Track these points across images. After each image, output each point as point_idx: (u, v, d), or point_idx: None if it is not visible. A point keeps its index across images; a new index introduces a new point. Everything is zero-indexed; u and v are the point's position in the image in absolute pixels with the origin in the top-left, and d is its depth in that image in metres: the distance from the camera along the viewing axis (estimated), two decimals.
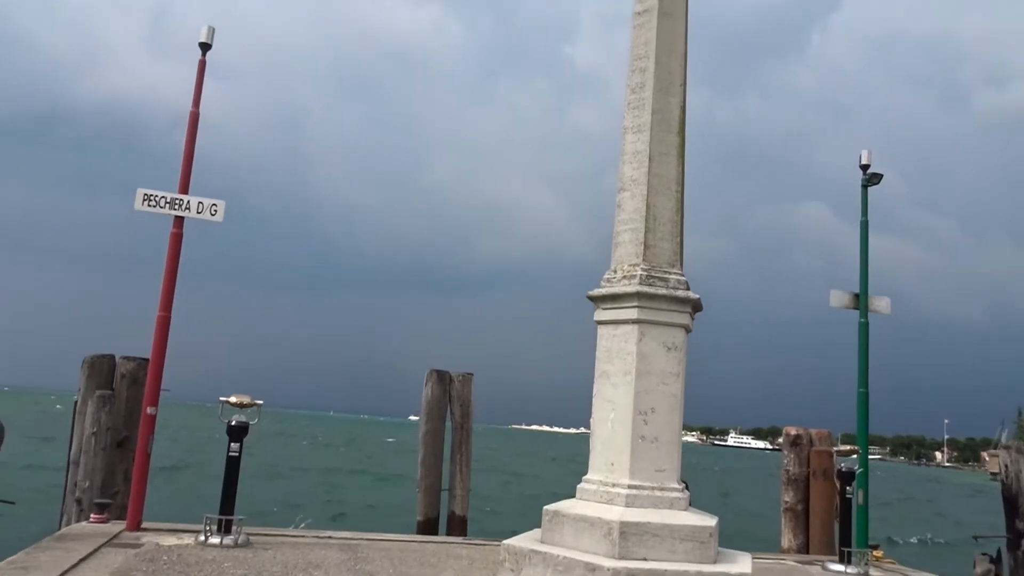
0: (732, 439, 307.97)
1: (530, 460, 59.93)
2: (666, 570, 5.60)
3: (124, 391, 9.81)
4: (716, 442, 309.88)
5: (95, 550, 6.58)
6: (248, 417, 7.86)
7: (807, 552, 11.10)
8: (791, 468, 12.09)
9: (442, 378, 12.09)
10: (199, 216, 8.23)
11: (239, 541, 7.37)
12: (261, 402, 7.97)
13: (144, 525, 7.87)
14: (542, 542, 6.24)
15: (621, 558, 5.71)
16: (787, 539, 11.71)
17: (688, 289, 6.53)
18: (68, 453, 9.74)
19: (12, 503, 7.79)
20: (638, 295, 6.34)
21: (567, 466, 53.75)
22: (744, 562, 6.07)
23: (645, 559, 5.75)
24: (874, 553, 9.67)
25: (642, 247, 6.56)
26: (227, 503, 7.53)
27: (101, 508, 8.08)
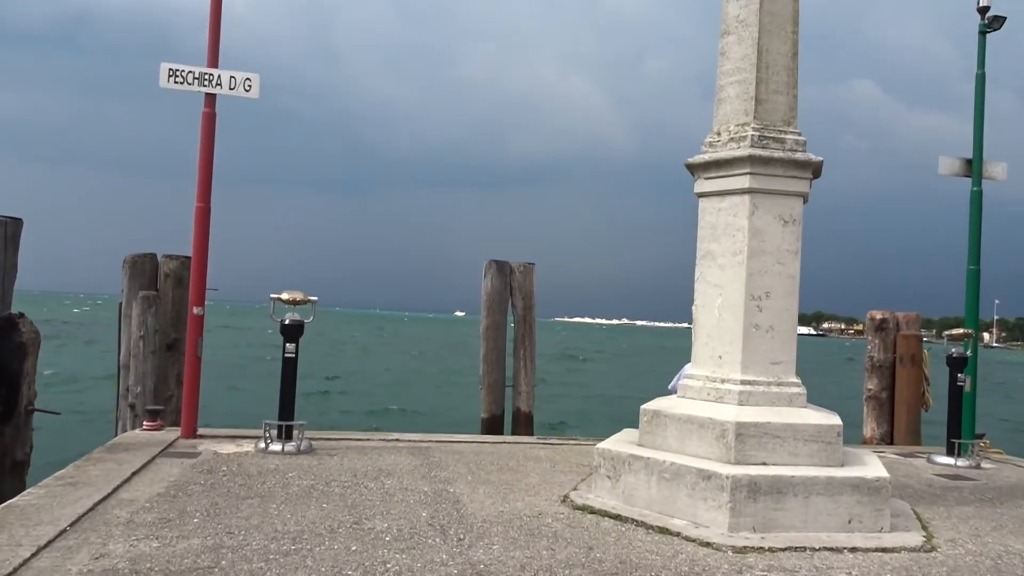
0: None
1: (579, 354, 60.01)
2: (793, 476, 4.84)
3: (169, 291, 9.19)
4: None
5: (149, 461, 6.07)
6: (302, 315, 7.18)
7: (891, 442, 10.37)
8: (875, 354, 11.20)
9: (502, 269, 11.29)
10: (232, 93, 7.32)
11: (301, 447, 6.83)
12: (315, 298, 7.26)
13: (200, 432, 7.38)
14: (641, 445, 5.52)
15: (737, 463, 4.98)
16: (869, 429, 10.95)
17: (806, 150, 5.51)
18: (117, 357, 9.27)
19: (58, 413, 7.33)
20: (750, 159, 5.34)
21: (616, 361, 53.77)
22: (875, 464, 5.30)
23: (764, 463, 5.01)
24: (982, 443, 8.87)
25: (752, 102, 5.51)
26: (286, 408, 6.96)
27: (153, 415, 7.60)
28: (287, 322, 7.04)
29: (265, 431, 6.82)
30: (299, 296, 7.11)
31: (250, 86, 7.40)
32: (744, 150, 5.37)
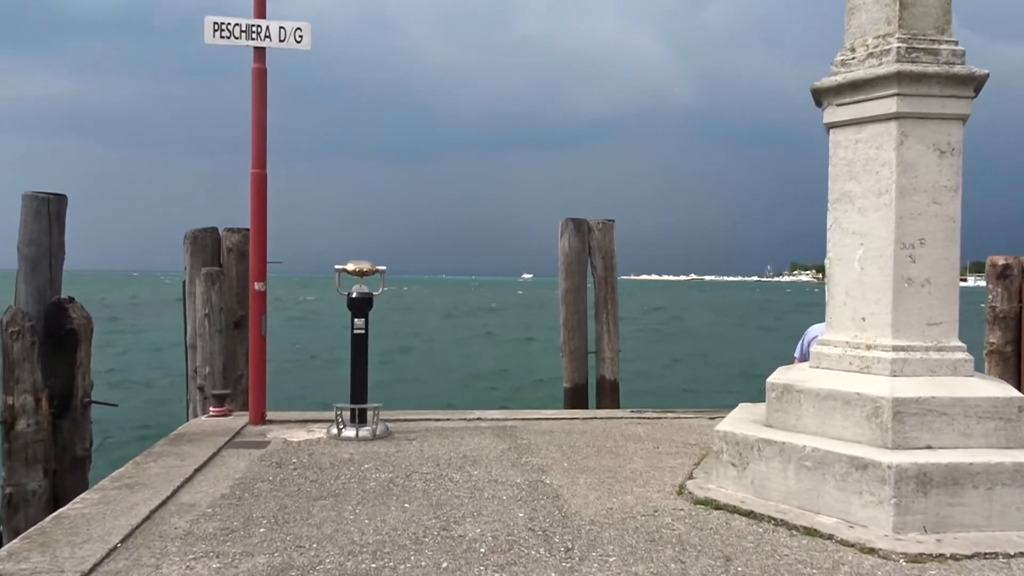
0: None
1: (649, 310, 58.79)
2: (971, 463, 3.95)
3: (233, 266, 8.70)
4: None
5: (214, 454, 5.55)
6: (370, 287, 6.54)
7: None
8: (997, 304, 9.98)
9: (579, 227, 10.46)
10: (282, 45, 6.64)
11: (377, 432, 6.23)
12: (384, 268, 6.62)
13: (269, 416, 6.87)
14: (769, 426, 4.70)
15: (896, 447, 4.11)
16: None
17: (965, 61, 4.50)
18: (184, 336, 8.86)
19: (115, 405, 6.92)
20: (897, 78, 4.37)
21: (688, 317, 52.52)
22: None
23: (929, 447, 4.13)
24: None
25: (896, 6, 4.51)
26: (358, 389, 6.36)
27: (220, 400, 7.12)
28: (354, 295, 6.41)
29: (337, 416, 6.24)
30: (366, 266, 6.46)
31: (301, 36, 6.71)
32: (888, 66, 4.40)
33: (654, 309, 61.54)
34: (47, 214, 6.12)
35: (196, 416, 7.59)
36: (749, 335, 35.88)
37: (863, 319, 4.56)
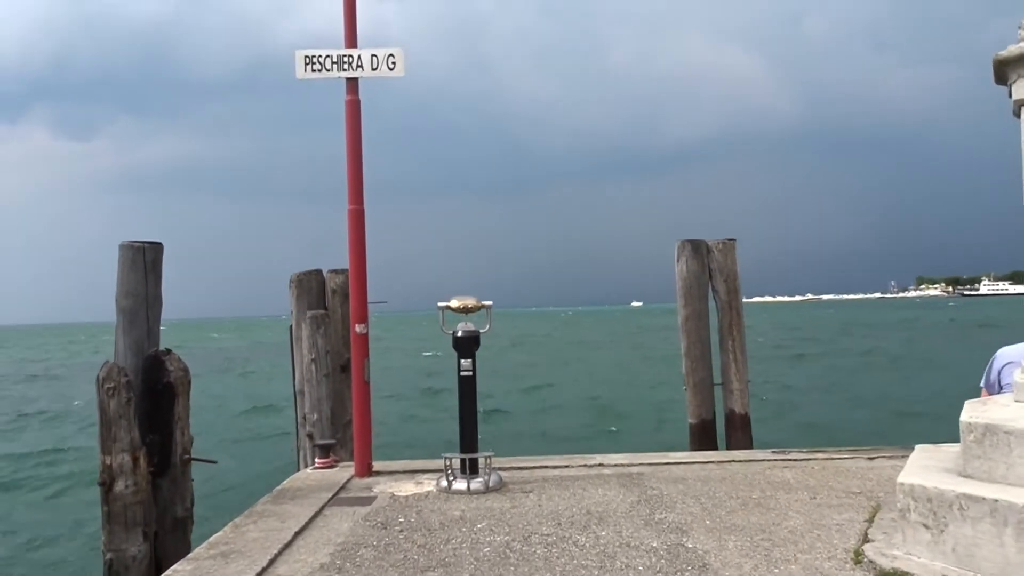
0: (985, 287, 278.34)
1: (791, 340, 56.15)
2: None
3: (338, 308, 8.40)
4: (965, 292, 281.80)
5: (317, 513, 5.11)
6: (477, 324, 6.02)
7: None
8: None
9: (698, 249, 9.68)
10: (375, 74, 6.29)
11: (490, 483, 5.65)
12: (490, 303, 6.09)
13: (376, 467, 6.42)
14: (968, 476, 3.80)
15: None
16: None
17: None
18: (293, 383, 8.62)
19: (214, 462, 6.64)
20: None
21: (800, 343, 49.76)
22: None
23: None
24: None
25: None
26: (468, 436, 5.82)
27: (325, 451, 6.74)
28: (460, 334, 5.90)
29: (446, 466, 5.71)
30: (471, 302, 5.96)
31: (394, 64, 6.34)
32: None
33: (783, 329, 57.83)
34: (143, 264, 5.95)
35: (307, 465, 7.26)
36: (890, 362, 33.12)
37: None
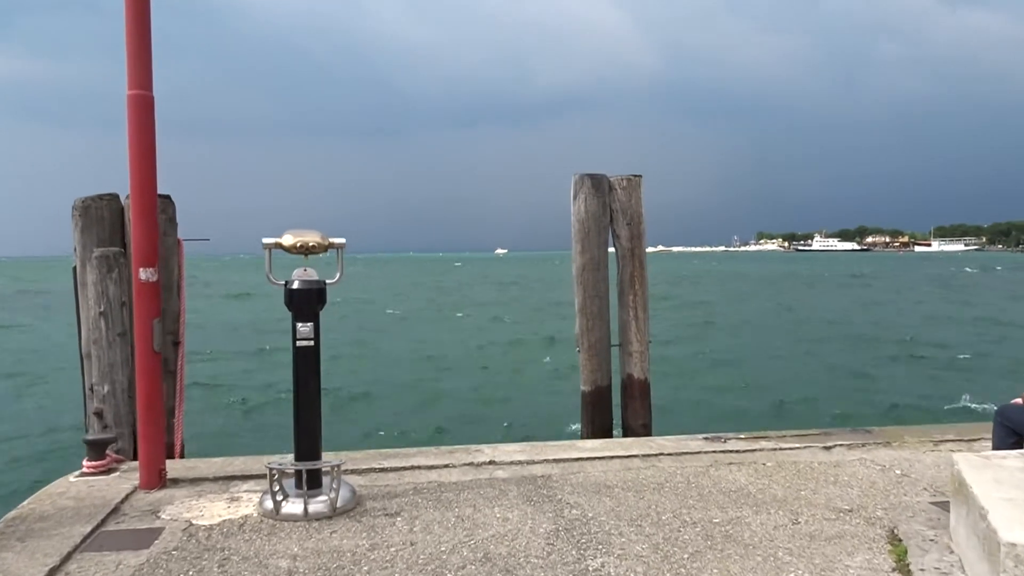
0: (817, 243, 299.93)
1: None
2: None
3: None
4: (800, 248, 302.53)
5: (55, 568, 3.18)
6: (327, 273, 4.16)
7: None
8: None
9: (599, 186, 8.15)
10: None
11: (337, 504, 3.89)
12: (343, 241, 4.22)
13: (175, 473, 4.50)
14: None
15: None
16: None
17: None
18: (78, 343, 6.45)
19: None
20: None
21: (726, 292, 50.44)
22: None
23: None
24: None
25: None
26: (307, 436, 4.00)
27: (99, 449, 4.71)
28: (296, 285, 4.02)
29: (272, 483, 3.86)
30: (313, 239, 4.07)
31: None
32: None
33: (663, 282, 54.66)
34: None
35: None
36: (760, 314, 32.69)
37: None
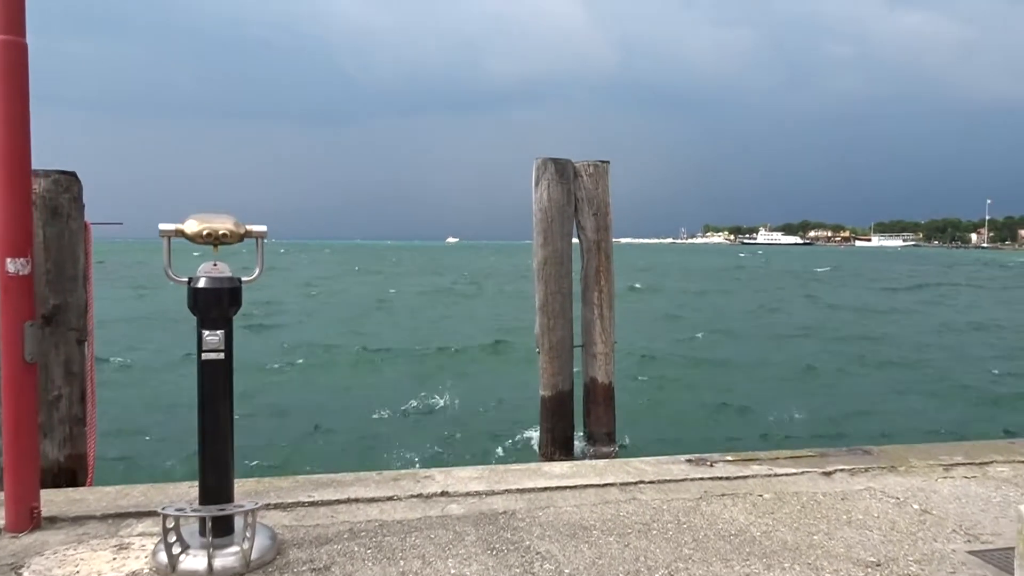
0: (762, 236, 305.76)
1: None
2: None
3: (40, 230, 5.36)
4: (745, 240, 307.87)
5: None
6: (234, 267, 3.35)
7: None
8: None
9: (563, 172, 7.46)
10: None
11: (250, 558, 3.11)
12: (263, 229, 3.42)
13: (54, 509, 3.65)
14: None
15: None
16: None
17: None
18: None
19: None
20: None
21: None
22: None
23: None
24: None
25: None
26: (213, 473, 3.20)
27: None
28: (201, 284, 3.20)
29: (166, 532, 3.05)
30: (225, 226, 3.25)
31: None
32: None
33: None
34: None
35: None
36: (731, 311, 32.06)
37: None
